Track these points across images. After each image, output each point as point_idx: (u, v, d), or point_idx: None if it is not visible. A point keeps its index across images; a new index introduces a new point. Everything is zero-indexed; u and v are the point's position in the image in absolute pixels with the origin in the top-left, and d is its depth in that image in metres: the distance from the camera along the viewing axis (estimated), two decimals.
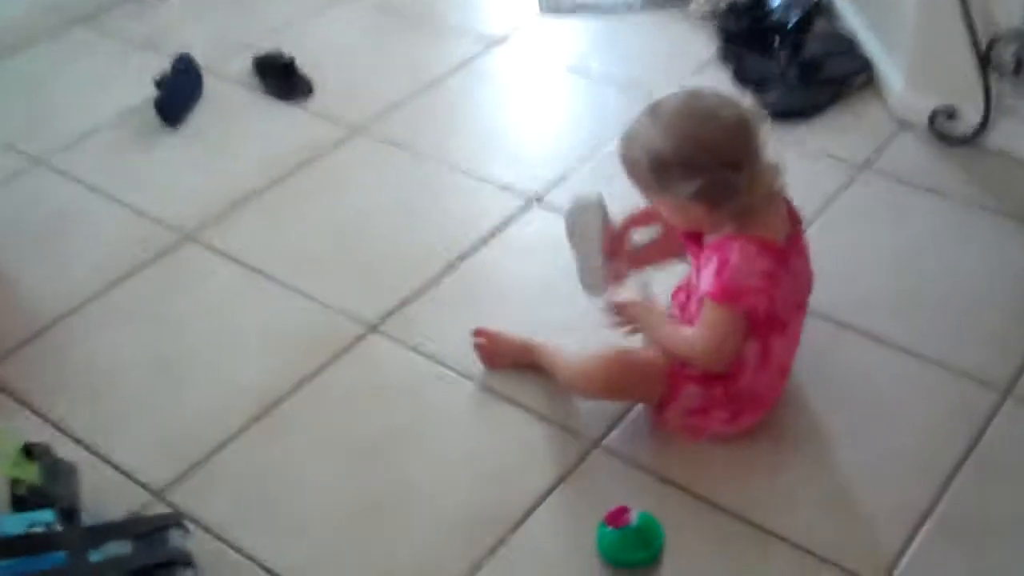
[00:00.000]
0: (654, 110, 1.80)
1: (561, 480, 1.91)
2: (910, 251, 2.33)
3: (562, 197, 2.47)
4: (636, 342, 2.00)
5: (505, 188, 2.55)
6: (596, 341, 2.02)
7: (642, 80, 2.84)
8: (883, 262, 2.30)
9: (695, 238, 1.92)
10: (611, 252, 1.99)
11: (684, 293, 2.01)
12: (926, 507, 1.84)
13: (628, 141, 1.82)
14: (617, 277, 2.01)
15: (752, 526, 1.82)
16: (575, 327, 2.13)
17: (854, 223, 2.41)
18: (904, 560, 1.77)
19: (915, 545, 1.79)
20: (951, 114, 2.57)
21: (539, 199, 2.52)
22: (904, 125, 2.65)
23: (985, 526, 1.81)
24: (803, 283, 1.90)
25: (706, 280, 1.82)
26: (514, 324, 2.15)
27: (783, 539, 1.80)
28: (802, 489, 1.88)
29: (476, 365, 2.11)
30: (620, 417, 2.00)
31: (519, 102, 2.87)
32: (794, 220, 1.90)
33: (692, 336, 1.87)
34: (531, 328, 2.15)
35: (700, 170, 1.75)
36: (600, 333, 2.04)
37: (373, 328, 2.21)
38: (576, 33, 3.13)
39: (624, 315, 1.99)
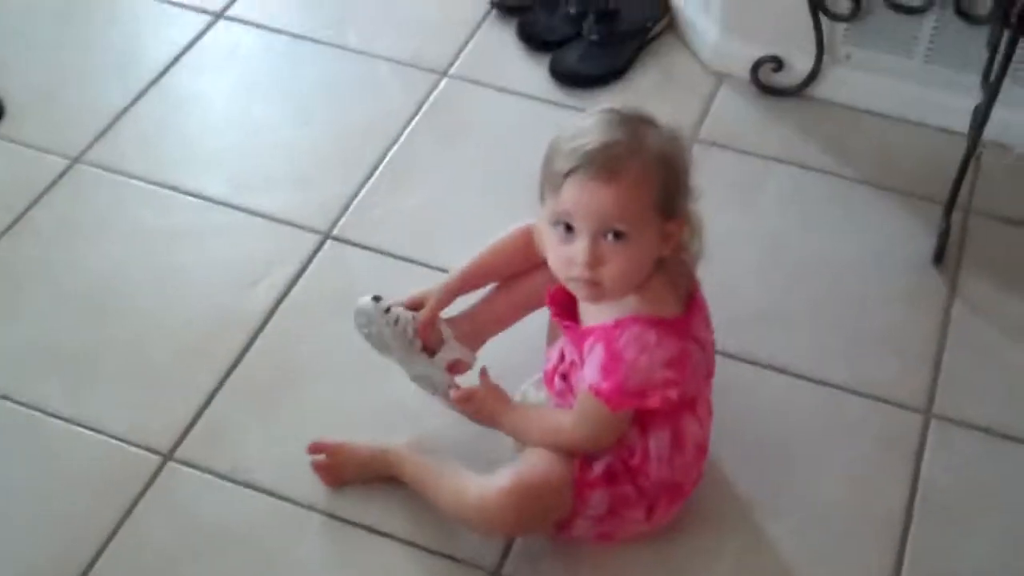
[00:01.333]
0: (634, 117, 1.41)
1: None
2: (770, 244, 2.04)
3: (359, 208, 2.03)
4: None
5: (289, 223, 2.06)
6: (464, 434, 1.64)
7: (419, 50, 2.39)
8: (745, 263, 2.00)
9: (568, 313, 1.55)
10: (430, 344, 1.62)
11: (559, 376, 1.60)
12: None
13: (633, 146, 1.37)
14: (457, 368, 1.64)
15: None
16: (426, 403, 1.73)
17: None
18: None
19: None
20: (777, 64, 2.27)
21: (332, 233, 2.05)
22: (722, 79, 2.34)
23: None
24: (709, 347, 1.55)
25: (591, 373, 1.45)
26: (348, 414, 1.75)
27: None
28: None
29: (314, 485, 1.67)
30: None
31: (269, 92, 2.35)
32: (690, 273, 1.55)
33: (567, 427, 1.52)
34: (370, 413, 1.75)
35: (690, 192, 1.44)
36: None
37: (169, 455, 1.72)
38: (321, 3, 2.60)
39: (470, 412, 1.61)
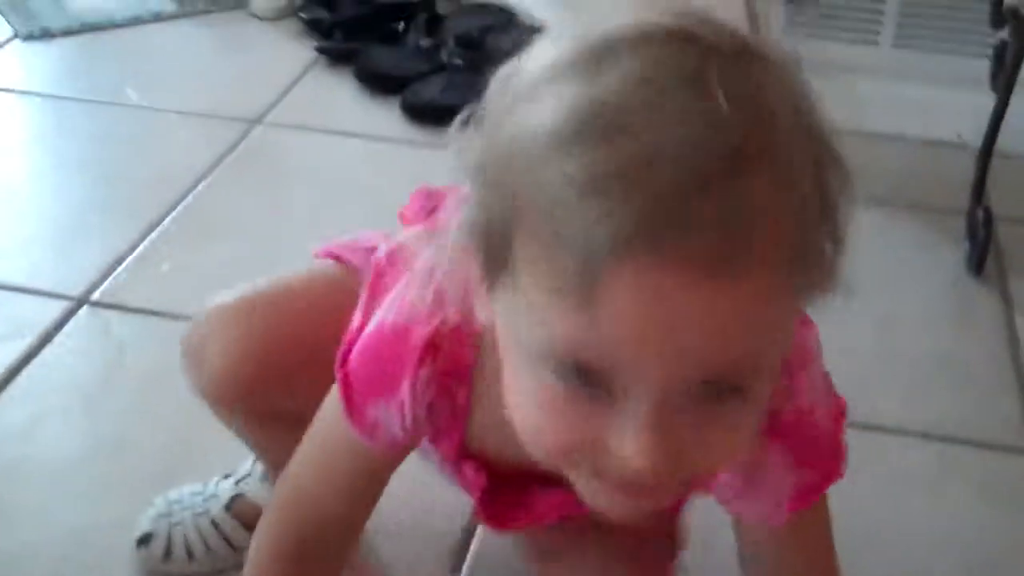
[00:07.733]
0: (733, 52, 0.56)
1: None
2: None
3: (133, 268, 1.37)
4: None
5: (32, 291, 1.37)
6: None
7: (223, 102, 1.78)
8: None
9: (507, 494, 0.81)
10: None
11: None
12: None
13: (766, 153, 0.53)
14: None
15: None
16: None
17: None
18: None
19: None
20: None
21: (90, 298, 1.36)
22: None
23: None
24: None
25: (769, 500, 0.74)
26: None
27: None
28: None
29: None
30: None
31: (27, 151, 1.70)
32: None
33: None
34: None
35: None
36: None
37: None
38: (90, 57, 1.97)
39: None
